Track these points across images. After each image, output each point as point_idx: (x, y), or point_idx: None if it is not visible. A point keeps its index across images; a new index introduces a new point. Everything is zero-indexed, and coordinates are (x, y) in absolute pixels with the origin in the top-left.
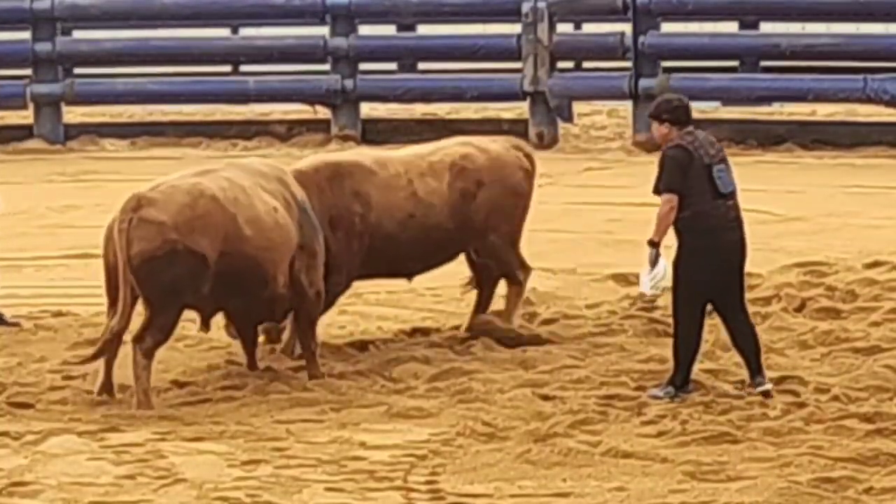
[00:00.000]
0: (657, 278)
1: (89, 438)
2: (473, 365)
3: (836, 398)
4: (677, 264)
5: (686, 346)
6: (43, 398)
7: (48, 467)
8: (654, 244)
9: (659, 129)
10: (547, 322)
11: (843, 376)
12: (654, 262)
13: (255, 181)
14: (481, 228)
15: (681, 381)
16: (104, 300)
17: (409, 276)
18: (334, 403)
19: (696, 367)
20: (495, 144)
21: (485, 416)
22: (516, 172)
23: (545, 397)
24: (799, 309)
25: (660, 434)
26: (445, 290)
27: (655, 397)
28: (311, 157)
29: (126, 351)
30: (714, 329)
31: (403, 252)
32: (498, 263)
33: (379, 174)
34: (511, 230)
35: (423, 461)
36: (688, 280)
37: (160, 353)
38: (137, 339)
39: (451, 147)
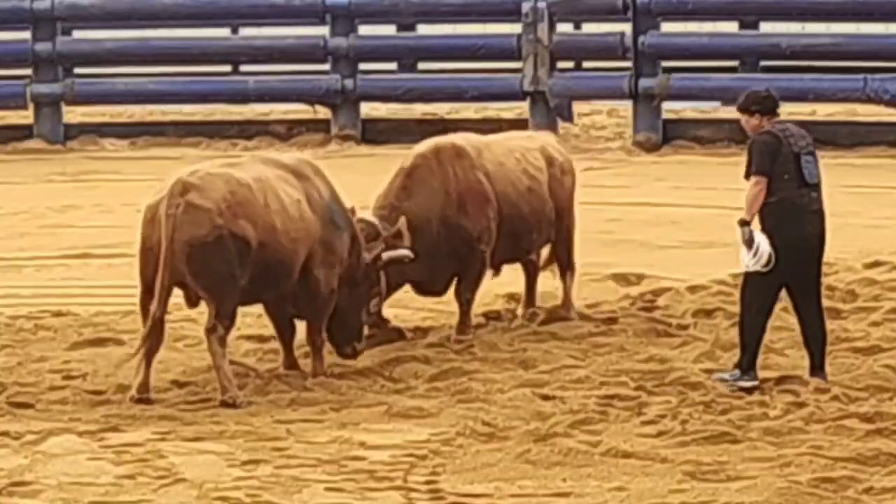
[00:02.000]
0: (760, 255)
1: (89, 438)
2: (473, 365)
3: (836, 398)
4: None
5: (752, 330)
6: (43, 398)
7: (48, 467)
8: (744, 223)
9: (749, 121)
10: (547, 322)
11: (843, 376)
12: (749, 241)
13: (278, 174)
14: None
15: (747, 365)
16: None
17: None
18: (334, 403)
19: (697, 366)
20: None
21: (485, 416)
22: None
23: (545, 397)
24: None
25: (660, 434)
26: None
27: (722, 380)
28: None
29: (125, 351)
30: (714, 329)
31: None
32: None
33: (491, 151)
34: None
35: (423, 461)
36: (778, 260)
37: (160, 353)
38: (210, 331)
39: (529, 137)
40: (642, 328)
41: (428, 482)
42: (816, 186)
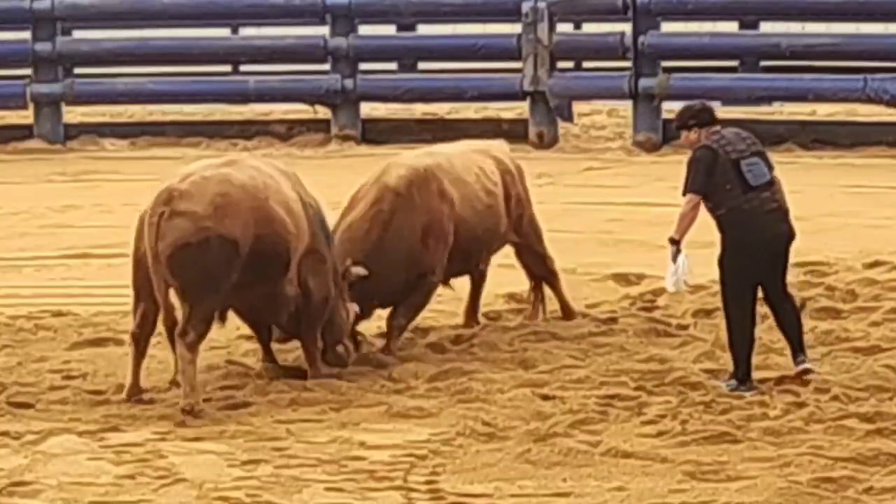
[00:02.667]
0: (678, 274)
1: (89, 438)
2: (473, 365)
3: (836, 398)
4: (722, 259)
5: (741, 339)
6: (43, 398)
7: (48, 467)
8: (674, 242)
9: (688, 137)
10: (547, 322)
11: (843, 376)
12: (673, 258)
13: (277, 173)
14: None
15: (743, 375)
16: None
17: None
18: (334, 403)
19: (697, 366)
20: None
21: (485, 416)
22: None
23: (545, 397)
24: (799, 309)
25: (660, 434)
26: (445, 290)
27: (718, 388)
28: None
29: (123, 351)
30: (714, 329)
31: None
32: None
33: (455, 169)
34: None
35: (423, 461)
36: (733, 273)
37: (160, 353)
38: (181, 334)
39: (482, 149)
40: (642, 328)
41: (428, 482)
42: (767, 186)
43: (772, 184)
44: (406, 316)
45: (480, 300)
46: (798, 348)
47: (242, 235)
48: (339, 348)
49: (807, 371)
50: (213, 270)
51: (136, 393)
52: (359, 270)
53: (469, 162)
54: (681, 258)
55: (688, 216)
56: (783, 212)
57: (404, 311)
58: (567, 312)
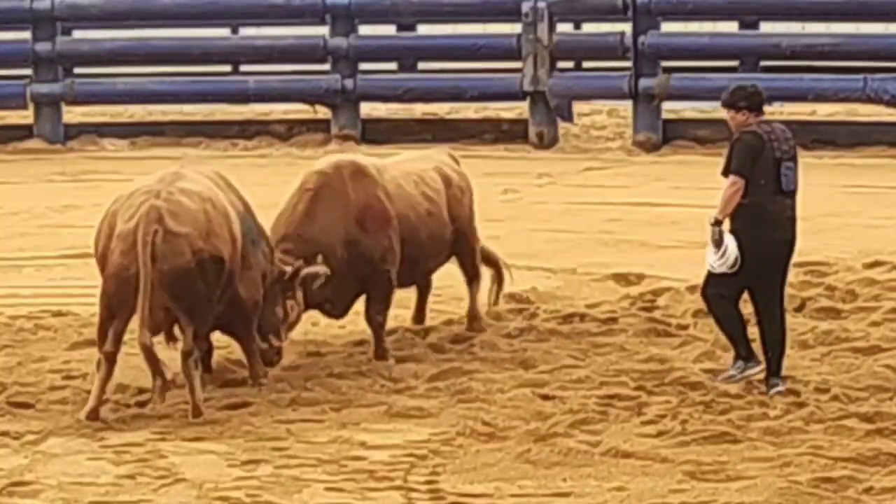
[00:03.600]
0: (727, 257)
1: (89, 438)
2: (473, 365)
3: (836, 398)
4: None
5: (729, 322)
6: (43, 398)
7: (48, 467)
8: (717, 223)
9: (735, 118)
10: (547, 322)
11: (842, 376)
12: (718, 241)
13: (217, 185)
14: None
15: (745, 354)
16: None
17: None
18: (334, 403)
19: (697, 366)
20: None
21: (485, 416)
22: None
23: (545, 397)
24: (799, 309)
25: (660, 434)
26: (445, 290)
27: (731, 378)
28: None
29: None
30: (714, 329)
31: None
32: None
33: (389, 173)
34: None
35: (423, 461)
36: (745, 260)
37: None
38: (188, 354)
39: (424, 158)
40: (642, 328)
41: (428, 482)
42: (792, 194)
43: (795, 193)
44: (378, 310)
45: (427, 310)
46: (774, 370)
47: (225, 252)
48: (264, 346)
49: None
50: (211, 290)
51: (96, 416)
52: (317, 269)
53: (406, 167)
54: (728, 238)
55: (732, 198)
56: (795, 221)
57: (375, 306)
58: (475, 317)
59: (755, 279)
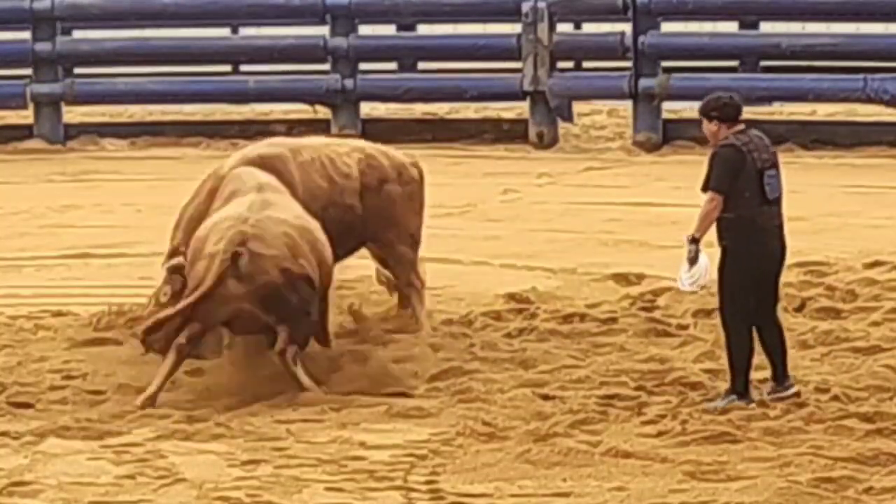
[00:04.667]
0: (697, 275)
1: (89, 438)
2: (473, 365)
3: (836, 398)
4: (722, 270)
5: (740, 352)
6: (43, 398)
7: (48, 467)
8: (694, 241)
9: (708, 127)
10: (547, 322)
11: (842, 376)
12: (693, 258)
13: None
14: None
15: (742, 387)
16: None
17: None
18: (334, 403)
19: (697, 366)
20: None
21: (485, 416)
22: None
23: (545, 397)
24: (799, 309)
25: (660, 434)
26: (445, 290)
27: (714, 408)
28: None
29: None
30: (714, 329)
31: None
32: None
33: (301, 156)
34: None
35: (423, 461)
36: (734, 285)
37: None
38: (282, 353)
39: (350, 144)
40: (642, 328)
41: (428, 482)
42: (777, 201)
43: (780, 200)
44: None
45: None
46: (781, 373)
47: (312, 271)
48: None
49: (798, 394)
50: (304, 304)
51: (151, 403)
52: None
53: (321, 151)
54: (703, 259)
55: (710, 216)
56: (782, 229)
57: None
58: (412, 322)
59: (755, 289)
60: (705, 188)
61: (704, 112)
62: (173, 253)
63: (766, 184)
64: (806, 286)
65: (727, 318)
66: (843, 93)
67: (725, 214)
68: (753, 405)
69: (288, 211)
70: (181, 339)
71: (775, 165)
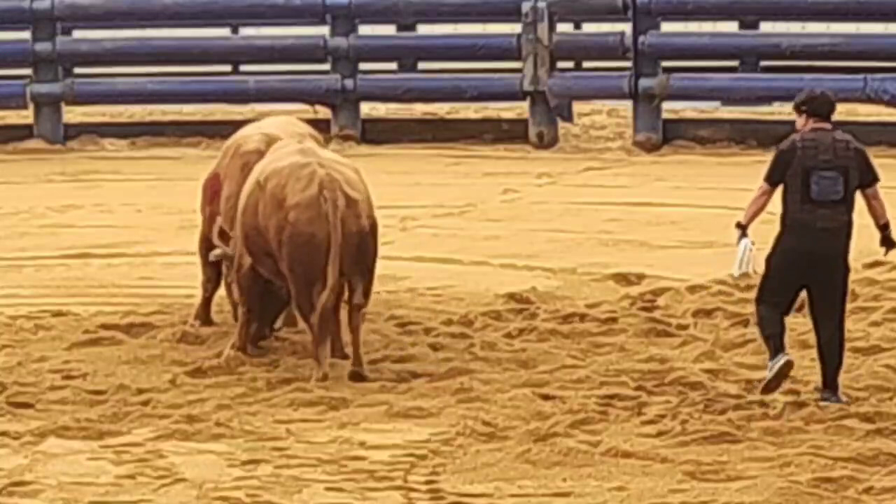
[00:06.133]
0: (740, 260)
1: (89, 438)
2: (473, 365)
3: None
4: (769, 255)
5: (762, 330)
6: (43, 398)
7: (48, 467)
8: (740, 227)
9: (798, 120)
10: (547, 322)
11: (843, 376)
12: (737, 244)
13: None
14: None
15: (774, 351)
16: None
17: None
18: (334, 403)
19: (697, 366)
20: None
21: (485, 416)
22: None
23: (545, 397)
24: (799, 309)
25: (660, 434)
26: (445, 290)
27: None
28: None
29: (125, 351)
30: (714, 329)
31: None
32: None
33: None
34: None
35: (423, 461)
36: (774, 271)
37: (158, 351)
38: (360, 307)
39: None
40: (642, 328)
41: (428, 482)
42: (830, 204)
43: (841, 202)
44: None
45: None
46: (829, 383)
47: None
48: None
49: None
50: (377, 252)
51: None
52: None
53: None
54: (743, 244)
55: (755, 203)
56: (836, 233)
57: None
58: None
59: (805, 286)
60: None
61: (796, 105)
62: (221, 235)
63: (814, 183)
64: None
65: (757, 302)
66: (843, 93)
67: (783, 209)
68: (789, 357)
69: (336, 156)
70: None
71: (836, 168)
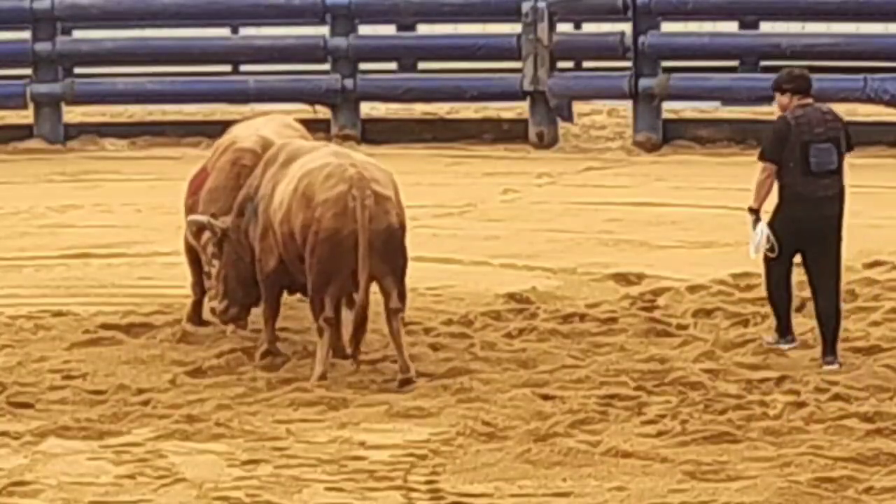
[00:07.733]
0: (756, 242)
1: (89, 438)
2: (473, 365)
3: (836, 398)
4: (772, 223)
5: (778, 297)
6: (43, 398)
7: (48, 467)
8: (752, 211)
9: (780, 99)
10: (547, 322)
11: (842, 376)
12: (754, 228)
13: None
14: None
15: (783, 329)
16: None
17: None
18: (334, 403)
19: (697, 366)
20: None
21: (485, 416)
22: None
23: (545, 397)
24: (799, 309)
25: (660, 434)
26: (445, 290)
27: (767, 342)
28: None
29: (125, 351)
30: (714, 329)
31: None
32: None
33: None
34: None
35: (423, 461)
36: (778, 238)
37: (158, 351)
38: (398, 311)
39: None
40: (642, 328)
41: (428, 482)
42: (828, 174)
43: (836, 171)
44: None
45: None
46: (830, 345)
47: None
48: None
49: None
50: (406, 251)
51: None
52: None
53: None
54: (760, 226)
55: (763, 184)
56: (837, 199)
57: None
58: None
59: (803, 253)
60: (760, 157)
61: (777, 85)
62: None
63: (812, 156)
64: (806, 286)
65: (766, 267)
66: (843, 93)
67: (780, 182)
68: (796, 344)
69: (363, 157)
70: (327, 312)
71: (830, 140)
